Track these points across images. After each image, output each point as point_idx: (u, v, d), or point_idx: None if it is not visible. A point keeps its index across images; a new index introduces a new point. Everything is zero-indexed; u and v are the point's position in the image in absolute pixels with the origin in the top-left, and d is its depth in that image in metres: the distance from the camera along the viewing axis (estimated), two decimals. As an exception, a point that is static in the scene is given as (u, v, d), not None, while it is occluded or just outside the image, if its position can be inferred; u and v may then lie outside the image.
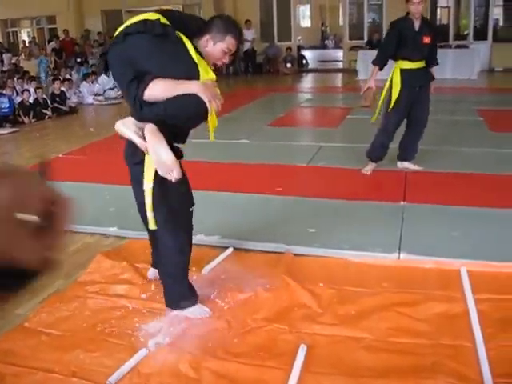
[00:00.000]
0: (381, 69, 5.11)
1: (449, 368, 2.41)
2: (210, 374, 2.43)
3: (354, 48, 16.29)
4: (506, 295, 3.01)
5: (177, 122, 2.56)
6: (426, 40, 4.98)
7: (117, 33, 2.57)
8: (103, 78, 12.29)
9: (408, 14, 5.01)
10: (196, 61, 2.52)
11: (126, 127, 2.55)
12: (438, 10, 17.69)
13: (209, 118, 2.56)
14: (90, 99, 11.53)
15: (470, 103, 9.31)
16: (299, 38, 22.10)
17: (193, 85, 2.49)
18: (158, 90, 2.47)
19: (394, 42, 4.98)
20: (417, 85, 5.04)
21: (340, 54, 18.46)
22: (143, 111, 2.53)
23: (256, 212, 4.36)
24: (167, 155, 2.44)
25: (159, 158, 2.44)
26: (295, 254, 3.56)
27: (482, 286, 3.09)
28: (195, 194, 2.92)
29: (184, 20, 2.72)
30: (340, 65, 17.94)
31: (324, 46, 28.78)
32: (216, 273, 3.35)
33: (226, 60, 2.69)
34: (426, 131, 5.25)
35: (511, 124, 7.05)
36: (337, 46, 20.30)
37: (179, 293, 2.88)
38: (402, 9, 17.30)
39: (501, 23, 17.09)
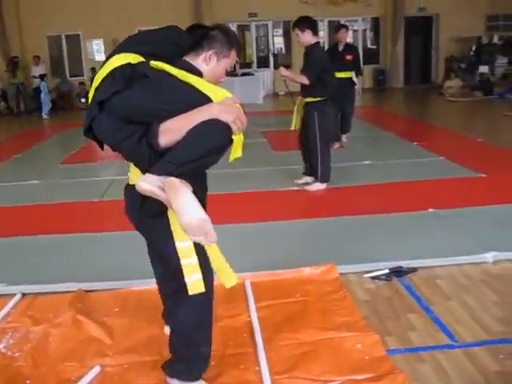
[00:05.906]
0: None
1: (232, 376, 2.60)
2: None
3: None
4: (282, 299, 3.33)
5: (205, 161, 2.09)
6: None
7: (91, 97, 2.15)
8: None
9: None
10: (192, 84, 2.08)
11: (149, 182, 2.02)
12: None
13: (234, 138, 2.09)
14: None
15: (257, 126, 9.97)
16: (93, 71, 21.75)
17: (211, 108, 2.03)
18: (173, 129, 2.03)
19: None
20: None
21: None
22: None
23: (43, 253, 4.26)
24: (198, 213, 1.95)
25: (188, 218, 1.94)
26: (87, 291, 3.55)
27: (264, 294, 3.38)
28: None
29: (157, 42, 2.31)
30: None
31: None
32: (4, 323, 3.22)
33: (224, 79, 2.34)
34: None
35: (288, 143, 7.64)
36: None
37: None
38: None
39: (283, 51, 18.58)
